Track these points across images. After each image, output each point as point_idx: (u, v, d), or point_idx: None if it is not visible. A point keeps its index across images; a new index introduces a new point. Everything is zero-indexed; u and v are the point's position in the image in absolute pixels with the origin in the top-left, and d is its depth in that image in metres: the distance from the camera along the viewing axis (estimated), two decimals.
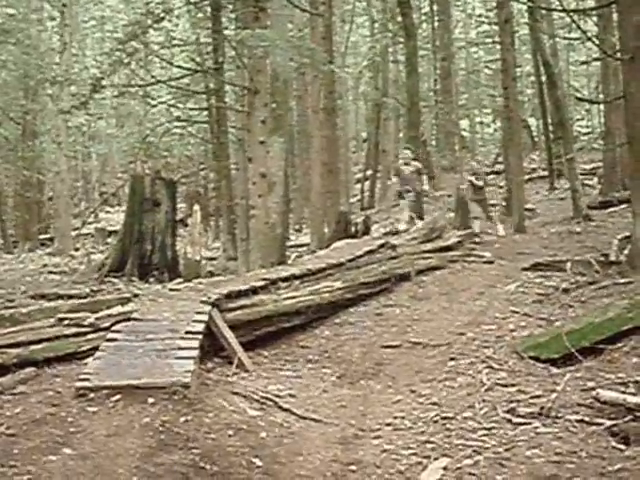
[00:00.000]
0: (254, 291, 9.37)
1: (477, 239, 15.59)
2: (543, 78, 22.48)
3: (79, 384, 6.23)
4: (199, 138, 28.57)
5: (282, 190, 14.64)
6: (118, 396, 6.02)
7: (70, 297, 12.82)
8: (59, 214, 27.66)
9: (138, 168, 21.57)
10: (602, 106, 25.03)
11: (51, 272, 19.43)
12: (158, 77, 20.90)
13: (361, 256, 12.04)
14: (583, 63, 30.76)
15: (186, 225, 21.58)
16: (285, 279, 10.15)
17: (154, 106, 25.80)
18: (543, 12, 21.06)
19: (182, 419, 5.77)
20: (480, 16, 31.99)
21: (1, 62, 29.20)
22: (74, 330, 7.50)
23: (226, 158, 22.39)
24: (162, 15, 17.36)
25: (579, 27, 14.88)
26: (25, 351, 6.99)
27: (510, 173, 19.44)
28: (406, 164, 15.94)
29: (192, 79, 23.45)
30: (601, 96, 25.41)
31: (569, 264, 10.95)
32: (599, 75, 25.83)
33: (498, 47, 21.24)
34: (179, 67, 22.05)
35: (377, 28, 32.21)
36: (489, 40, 29.23)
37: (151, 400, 5.95)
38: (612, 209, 17.76)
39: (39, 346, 7.13)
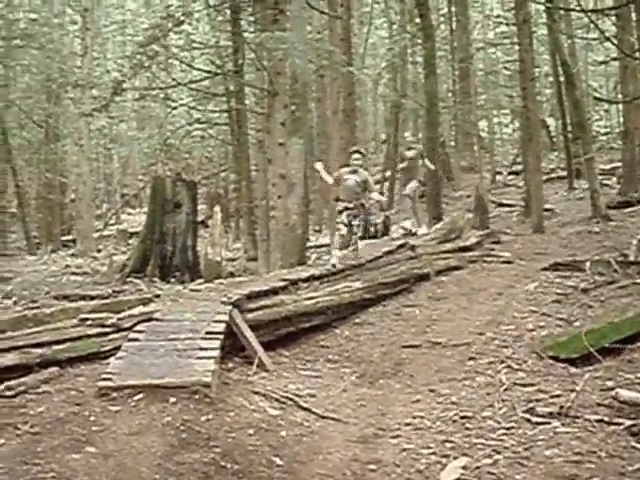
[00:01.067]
0: (274, 291, 9.42)
1: (496, 239, 15.54)
2: (561, 78, 22.36)
3: (101, 383, 6.31)
4: (219, 140, 28.64)
5: (302, 191, 14.65)
6: (140, 395, 6.09)
7: (92, 298, 12.89)
8: (81, 216, 27.82)
9: (159, 170, 21.75)
10: (621, 106, 24.94)
11: (73, 273, 19.53)
12: (178, 80, 21.03)
13: (380, 256, 12.05)
14: (601, 63, 30.57)
15: (207, 226, 21.67)
16: (305, 280, 10.19)
17: (175, 108, 25.86)
18: (561, 12, 20.96)
19: (203, 418, 5.83)
20: (498, 17, 31.83)
21: (24, 66, 29.50)
22: (97, 330, 7.59)
23: (246, 160, 22.48)
24: (182, 18, 17.46)
25: (597, 27, 14.83)
26: (48, 351, 7.07)
27: (529, 173, 19.38)
28: (353, 172, 11.82)
29: (212, 82, 23.54)
30: (620, 96, 25.31)
31: (588, 264, 10.92)
32: (618, 75, 25.70)
33: (516, 48, 21.14)
34: (199, 70, 22.15)
35: (395, 30, 32.14)
36: (507, 41, 29.07)
37: (172, 399, 6.02)
38: (631, 209, 17.66)
39: (62, 346, 7.21)
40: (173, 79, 20.74)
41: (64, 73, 28.47)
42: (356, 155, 12.08)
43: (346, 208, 11.75)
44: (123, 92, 18.27)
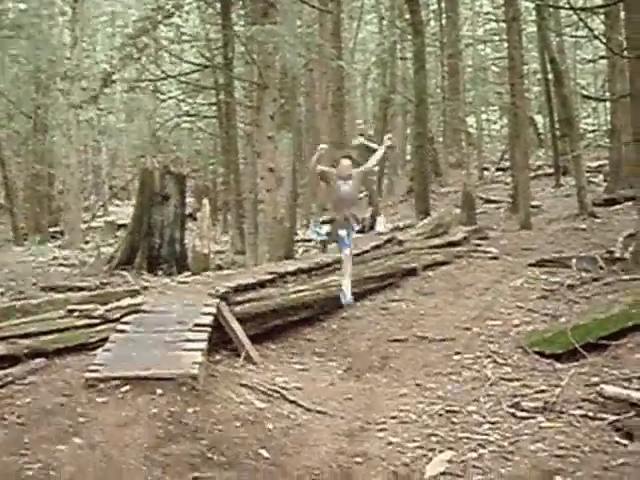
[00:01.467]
0: (262, 284, 9.43)
1: (483, 235, 15.56)
2: (550, 76, 22.38)
3: (89, 375, 6.32)
4: (208, 133, 28.63)
5: (290, 185, 14.64)
6: (127, 387, 6.11)
7: (80, 289, 12.86)
8: (69, 207, 27.74)
9: (148, 162, 21.63)
10: (608, 104, 24.96)
11: (61, 264, 19.47)
12: (168, 72, 21.02)
13: (368, 251, 12.07)
14: (590, 61, 30.72)
15: (195, 219, 21.65)
16: (293, 273, 10.20)
17: (164, 101, 25.87)
18: (550, 10, 20.99)
19: (190, 410, 5.85)
20: (488, 14, 31.93)
21: (13, 57, 29.35)
22: (84, 321, 7.60)
23: (235, 153, 22.44)
24: (172, 11, 17.45)
25: (586, 25, 14.91)
26: (36, 342, 7.08)
27: (516, 170, 19.42)
28: (347, 178, 9.58)
29: (201, 74, 23.50)
30: (607, 94, 25.38)
31: (574, 260, 11.00)
32: (606, 73, 25.81)
33: (505, 45, 21.19)
34: (189, 62, 22.15)
35: (385, 25, 32.19)
36: (496, 38, 29.20)
37: (160, 391, 6.04)
38: (617, 206, 17.70)
39: (49, 337, 7.24)
40: (163, 71, 20.73)
41: (53, 64, 28.38)
42: (345, 162, 9.60)
43: (331, 221, 9.70)
44: (112, 84, 18.28)
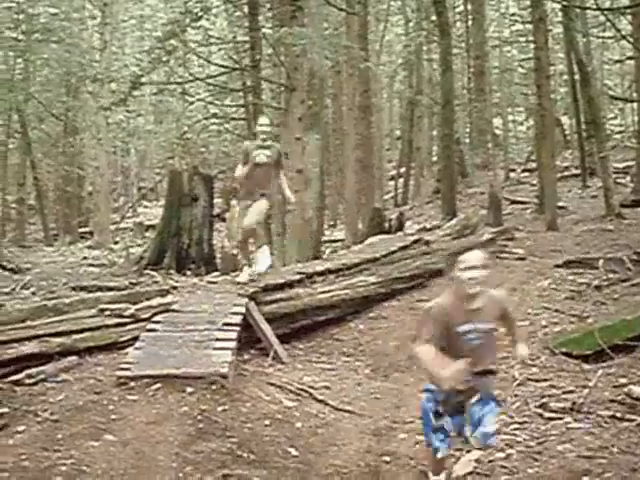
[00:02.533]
0: (290, 285, 9.47)
1: (509, 236, 15.48)
2: (576, 76, 22.28)
3: (120, 373, 6.40)
4: (236, 134, 28.72)
5: (318, 186, 14.67)
6: (158, 385, 6.16)
7: (110, 289, 12.97)
8: (99, 208, 28.04)
9: (176, 164, 21.76)
10: (635, 104, 24.81)
11: (91, 265, 19.67)
12: (196, 75, 21.06)
13: (395, 251, 12.07)
14: (617, 62, 30.48)
15: (223, 220, 21.73)
16: (320, 273, 10.22)
17: (192, 103, 25.96)
18: (577, 11, 20.88)
19: (220, 408, 5.90)
20: (514, 15, 31.66)
21: (44, 60, 29.67)
22: (115, 320, 7.68)
23: None
24: (200, 14, 17.50)
25: (613, 25, 14.82)
26: (68, 340, 7.17)
27: (542, 171, 19.34)
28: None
29: (229, 77, 23.57)
30: (635, 94, 25.19)
31: (601, 261, 10.93)
32: (633, 74, 25.62)
33: (532, 46, 21.08)
34: (217, 65, 22.20)
35: (412, 27, 32.12)
36: (523, 39, 28.98)
37: (190, 389, 6.10)
38: None
39: (81, 335, 7.32)
40: (191, 74, 20.80)
41: (83, 67, 28.65)
42: (475, 270, 4.78)
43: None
44: (141, 86, 18.37)
